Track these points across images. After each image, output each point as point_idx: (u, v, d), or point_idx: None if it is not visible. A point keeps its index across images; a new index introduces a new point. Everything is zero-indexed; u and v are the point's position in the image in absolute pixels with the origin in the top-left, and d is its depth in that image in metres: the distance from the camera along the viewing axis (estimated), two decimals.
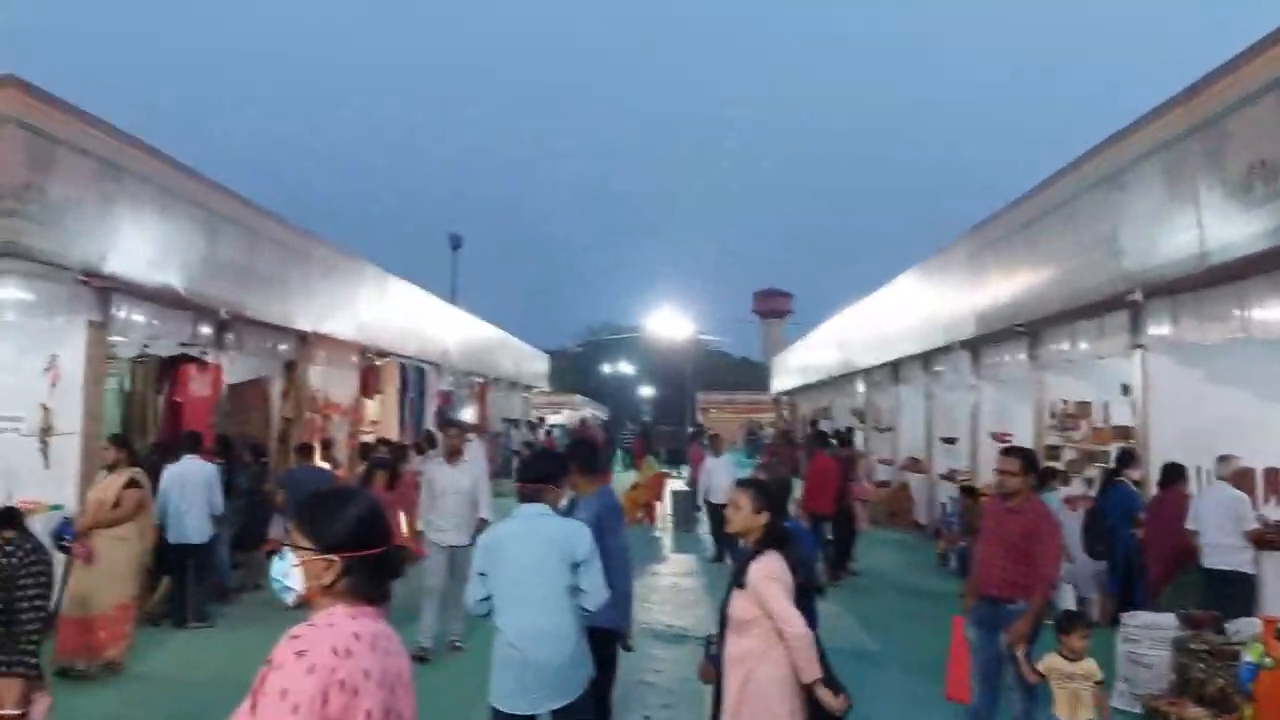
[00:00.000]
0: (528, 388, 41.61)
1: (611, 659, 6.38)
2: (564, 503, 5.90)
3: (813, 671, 4.63)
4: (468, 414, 26.68)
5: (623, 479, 24.70)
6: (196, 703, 7.86)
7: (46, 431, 10.40)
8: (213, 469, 10.94)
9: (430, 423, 21.35)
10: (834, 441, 18.20)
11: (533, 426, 38.32)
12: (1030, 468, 6.95)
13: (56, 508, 9.89)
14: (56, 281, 9.86)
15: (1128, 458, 11.09)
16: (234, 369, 13.99)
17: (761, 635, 4.73)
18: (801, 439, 26.30)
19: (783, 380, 43.63)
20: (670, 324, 62.15)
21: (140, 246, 10.80)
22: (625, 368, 78.31)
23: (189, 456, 10.72)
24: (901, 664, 9.74)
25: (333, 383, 17.87)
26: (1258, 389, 10.36)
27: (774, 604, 4.67)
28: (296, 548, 2.71)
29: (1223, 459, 9.67)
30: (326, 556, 2.68)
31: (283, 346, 15.01)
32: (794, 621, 4.64)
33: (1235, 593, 8.93)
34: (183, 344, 12.48)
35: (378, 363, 19.47)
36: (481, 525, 9.51)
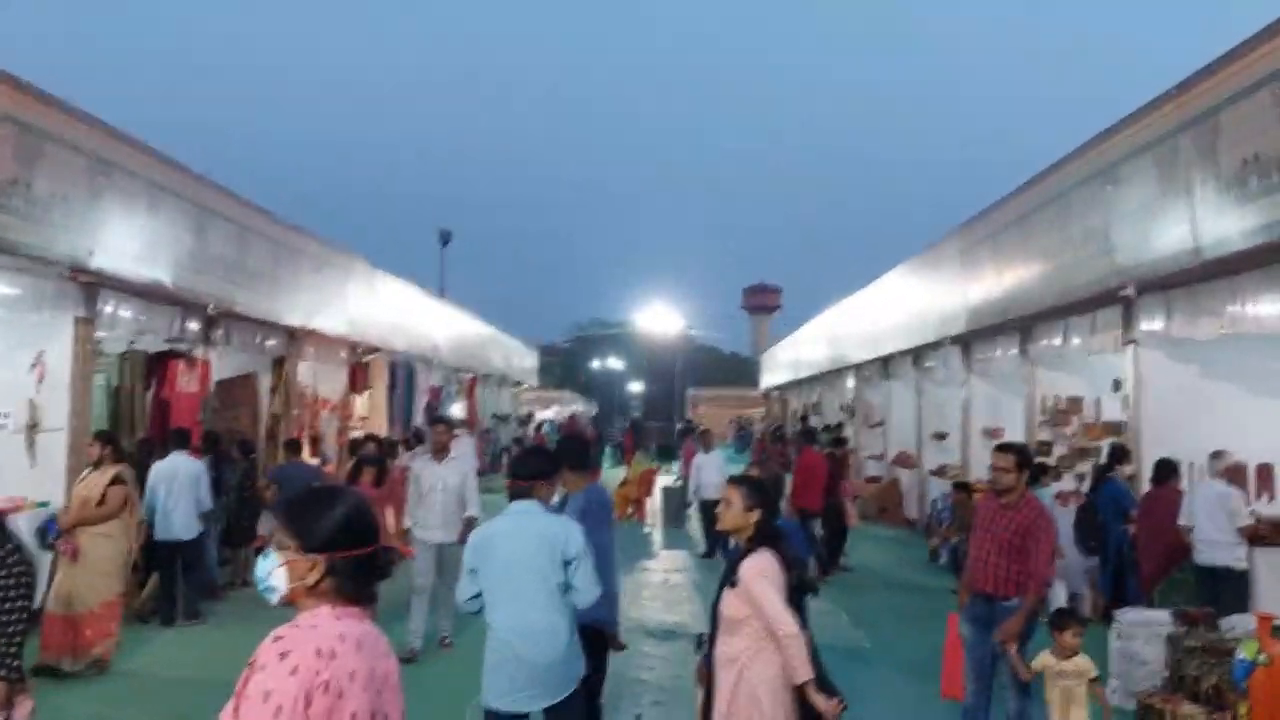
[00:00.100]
0: (517, 383, 41.55)
1: (601, 656, 6.34)
2: (556, 499, 5.86)
3: (804, 672, 4.56)
4: (457, 409, 26.61)
5: (612, 475, 24.69)
6: (184, 701, 7.83)
7: (33, 428, 10.36)
8: (201, 465, 10.89)
9: (419, 419, 21.29)
10: (824, 437, 18.21)
11: (522, 422, 38.25)
12: (1025, 464, 6.92)
13: (43, 504, 9.83)
14: (43, 277, 9.78)
15: (1120, 453, 11.09)
16: (222, 365, 13.92)
17: (753, 635, 4.67)
18: (791, 435, 26.27)
19: (772, 376, 43.66)
20: (660, 319, 62.21)
21: (128, 241, 10.74)
22: (614, 363, 78.25)
23: (177, 453, 10.65)
24: (894, 661, 9.70)
25: (322, 378, 17.82)
26: (1250, 384, 10.37)
27: (766, 603, 4.61)
28: (280, 547, 2.66)
29: (1216, 455, 9.65)
30: (311, 556, 2.63)
31: (271, 342, 14.94)
32: (786, 621, 4.58)
33: (1228, 589, 8.94)
34: (170, 340, 12.41)
35: (367, 358, 19.42)
36: (469, 524, 9.44)
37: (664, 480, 23.88)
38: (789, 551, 4.93)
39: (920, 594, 13.16)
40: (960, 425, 16.74)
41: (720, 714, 4.74)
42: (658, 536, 19.24)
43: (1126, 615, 8.40)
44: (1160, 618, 8.06)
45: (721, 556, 14.75)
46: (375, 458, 10.89)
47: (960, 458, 16.65)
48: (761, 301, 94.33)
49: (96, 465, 9.05)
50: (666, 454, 36.58)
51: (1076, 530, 10.92)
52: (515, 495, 5.31)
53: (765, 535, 4.89)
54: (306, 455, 14.71)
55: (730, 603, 4.78)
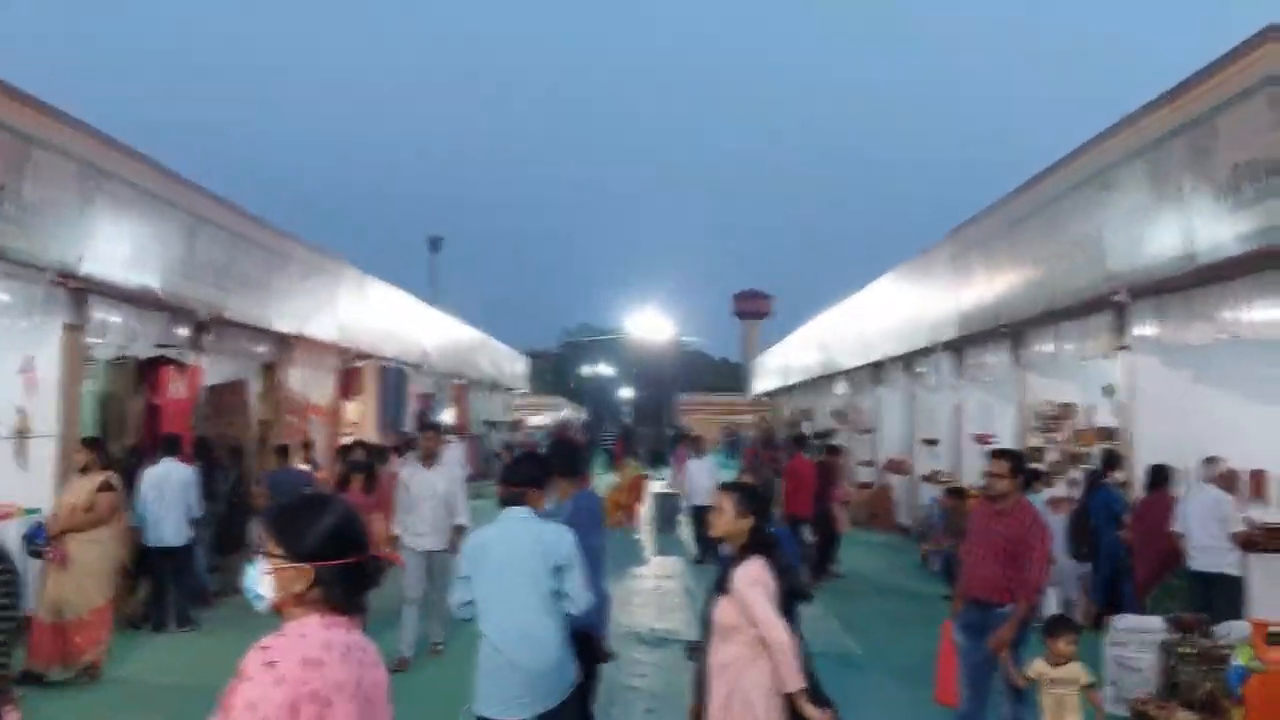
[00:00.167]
0: (507, 389, 41.52)
1: (592, 663, 6.30)
2: (548, 505, 5.83)
3: (795, 681, 4.50)
4: (447, 416, 26.59)
5: (603, 481, 24.64)
6: (175, 708, 7.76)
7: (23, 434, 10.30)
8: (191, 472, 10.83)
9: (410, 425, 21.25)
10: (815, 444, 18.21)
11: (513, 428, 38.21)
12: (1019, 470, 6.91)
13: (33, 511, 9.76)
14: (32, 282, 9.72)
15: (1112, 459, 11.09)
16: (212, 371, 13.87)
17: (746, 643, 4.62)
18: (781, 441, 26.27)
19: (763, 382, 43.66)
20: (650, 325, 62.21)
21: (118, 247, 10.69)
22: (605, 369, 78.30)
23: (168, 459, 10.61)
24: (886, 667, 9.69)
25: (312, 385, 17.77)
26: (1243, 390, 10.37)
27: (757, 609, 4.56)
28: (268, 555, 2.63)
29: (1209, 461, 9.66)
30: (298, 565, 2.59)
31: (261, 348, 14.89)
32: (776, 628, 4.53)
33: (1222, 595, 8.94)
34: (161, 346, 12.36)
35: (357, 364, 19.37)
36: (459, 532, 9.40)
37: (655, 486, 23.84)
38: (782, 558, 4.90)
39: (912, 600, 13.16)
40: (951, 431, 16.73)
41: None
42: (649, 543, 19.19)
43: (1120, 622, 8.38)
44: (1154, 624, 8.04)
45: (713, 563, 14.74)
46: (364, 464, 10.85)
47: (951, 464, 16.66)
48: (752, 307, 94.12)
49: (83, 472, 8.99)
50: (657, 460, 36.59)
51: (1069, 536, 10.92)
52: (508, 501, 5.28)
53: (758, 542, 4.84)
54: (297, 461, 14.64)
55: (723, 610, 4.73)
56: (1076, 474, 12.85)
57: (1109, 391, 11.69)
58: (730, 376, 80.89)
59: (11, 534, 8.84)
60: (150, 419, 12.35)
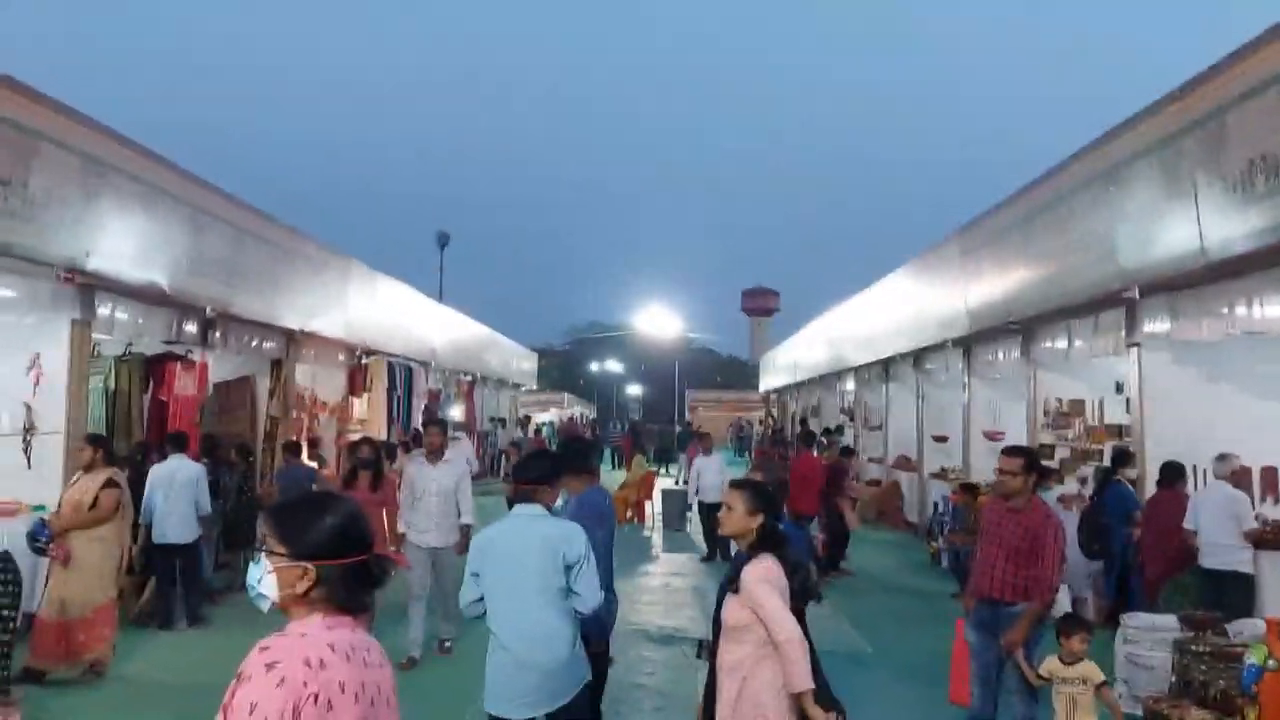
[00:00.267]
0: (515, 386, 41.49)
1: (600, 661, 6.26)
2: (559, 503, 5.80)
3: (804, 681, 4.43)
4: (455, 412, 26.58)
5: (611, 478, 24.63)
6: (181, 706, 7.75)
7: (29, 431, 10.29)
8: (200, 468, 10.82)
9: (418, 421, 21.23)
10: (823, 441, 18.14)
11: (521, 425, 38.19)
12: (1033, 467, 6.86)
13: (39, 508, 9.75)
14: (39, 279, 9.71)
15: (1123, 456, 11.03)
16: (220, 367, 13.85)
17: (757, 642, 4.56)
18: (791, 438, 26.25)
19: (771, 378, 43.59)
20: (658, 322, 62.23)
21: (125, 243, 10.65)
22: (613, 366, 78.32)
23: (175, 456, 10.59)
24: (896, 665, 9.64)
25: (320, 381, 17.76)
26: (1254, 387, 10.32)
27: (768, 608, 4.51)
28: (270, 553, 2.58)
29: (1222, 458, 9.60)
30: (300, 564, 2.55)
31: (269, 345, 14.86)
32: (786, 626, 4.47)
33: (1234, 593, 8.88)
34: (168, 342, 12.35)
35: (365, 361, 19.35)
36: (465, 532, 9.36)
37: (664, 483, 23.83)
38: (792, 556, 4.86)
39: (921, 597, 13.11)
40: (961, 428, 16.68)
41: None
42: (658, 540, 19.17)
43: (1132, 620, 8.34)
44: (1167, 622, 7.99)
45: (722, 558, 14.71)
46: (371, 461, 10.82)
47: (961, 461, 16.60)
48: (760, 304, 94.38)
49: (88, 469, 8.97)
50: (665, 457, 36.61)
51: (1080, 534, 10.86)
52: (518, 499, 5.26)
53: (768, 540, 4.79)
54: (305, 458, 14.63)
55: (732, 609, 4.67)
56: (1086, 471, 12.81)
57: (1121, 388, 11.62)
58: (738, 373, 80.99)
59: (18, 531, 8.85)
60: (157, 415, 12.34)
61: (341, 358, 18.39)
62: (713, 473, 16.53)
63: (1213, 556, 9.13)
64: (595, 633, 6.05)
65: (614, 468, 35.39)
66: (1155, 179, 9.49)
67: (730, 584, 4.75)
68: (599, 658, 6.28)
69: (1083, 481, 12.71)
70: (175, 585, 10.48)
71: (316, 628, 2.51)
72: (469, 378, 29.49)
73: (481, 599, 5.05)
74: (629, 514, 20.93)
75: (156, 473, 10.36)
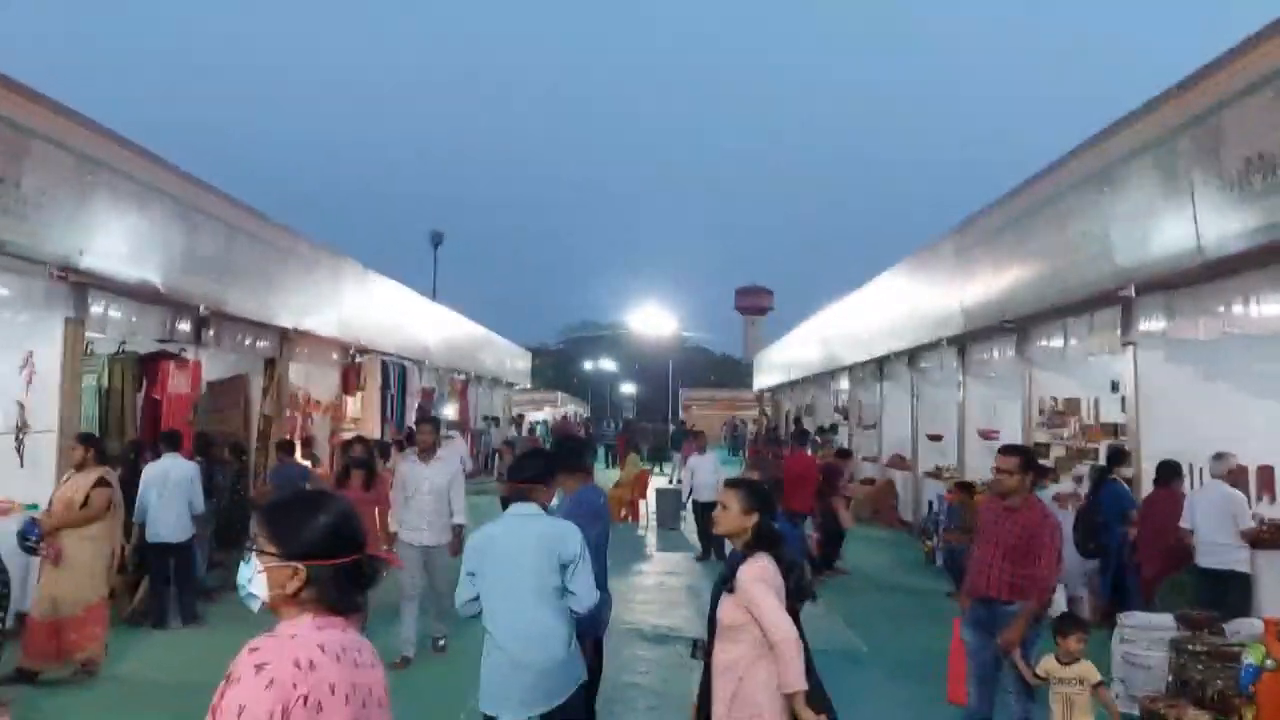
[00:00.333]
0: (509, 385, 41.48)
1: (595, 659, 6.24)
2: (554, 502, 5.77)
3: (797, 682, 4.41)
4: (449, 411, 26.55)
5: (605, 477, 24.61)
6: (174, 705, 7.67)
7: (22, 429, 10.26)
8: (193, 467, 10.78)
9: (412, 420, 21.20)
10: (817, 439, 18.14)
11: (515, 424, 38.16)
12: (1029, 465, 6.84)
13: (32, 507, 9.71)
14: (32, 276, 9.67)
15: (1119, 455, 11.02)
16: (214, 366, 13.80)
17: (752, 642, 4.54)
18: (785, 437, 26.22)
19: (765, 377, 43.59)
20: (652, 321, 62.18)
21: (118, 241, 10.62)
22: (607, 364, 78.28)
23: (169, 455, 10.55)
24: (891, 664, 9.62)
25: (314, 380, 17.73)
26: (1250, 385, 10.30)
27: (764, 607, 4.48)
28: (261, 553, 2.55)
29: (1218, 457, 9.57)
30: (290, 564, 2.52)
31: (263, 343, 14.82)
32: (782, 626, 4.45)
33: (1231, 592, 8.86)
34: (161, 340, 12.31)
35: (359, 360, 19.32)
36: (458, 532, 9.33)
37: (658, 482, 23.79)
38: (787, 555, 4.83)
39: (916, 596, 13.11)
40: (956, 427, 16.67)
41: None
42: (652, 539, 19.14)
43: (1129, 619, 8.33)
44: (1163, 622, 7.98)
45: (717, 557, 14.69)
46: (364, 460, 10.79)
47: (955, 459, 16.60)
48: (754, 303, 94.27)
49: (79, 468, 8.94)
50: (659, 456, 36.58)
51: (1075, 533, 10.85)
52: (514, 498, 5.23)
53: (763, 539, 4.77)
54: (299, 457, 14.59)
55: (728, 609, 4.65)
56: (1082, 470, 12.80)
57: (1116, 387, 11.61)
58: (732, 372, 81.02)
59: (8, 531, 8.81)
60: (151, 414, 12.30)
61: (335, 356, 18.38)
62: (707, 471, 16.50)
63: (1209, 556, 9.11)
64: (590, 632, 6.04)
65: (608, 466, 35.34)
66: (1151, 177, 9.48)
67: (725, 583, 4.72)
68: (593, 657, 6.27)
69: (1078, 480, 12.70)
70: (169, 584, 10.45)
71: (307, 628, 2.48)
72: (463, 376, 29.47)
73: (477, 598, 5.02)
74: (623, 513, 20.90)
75: (150, 471, 10.32)
